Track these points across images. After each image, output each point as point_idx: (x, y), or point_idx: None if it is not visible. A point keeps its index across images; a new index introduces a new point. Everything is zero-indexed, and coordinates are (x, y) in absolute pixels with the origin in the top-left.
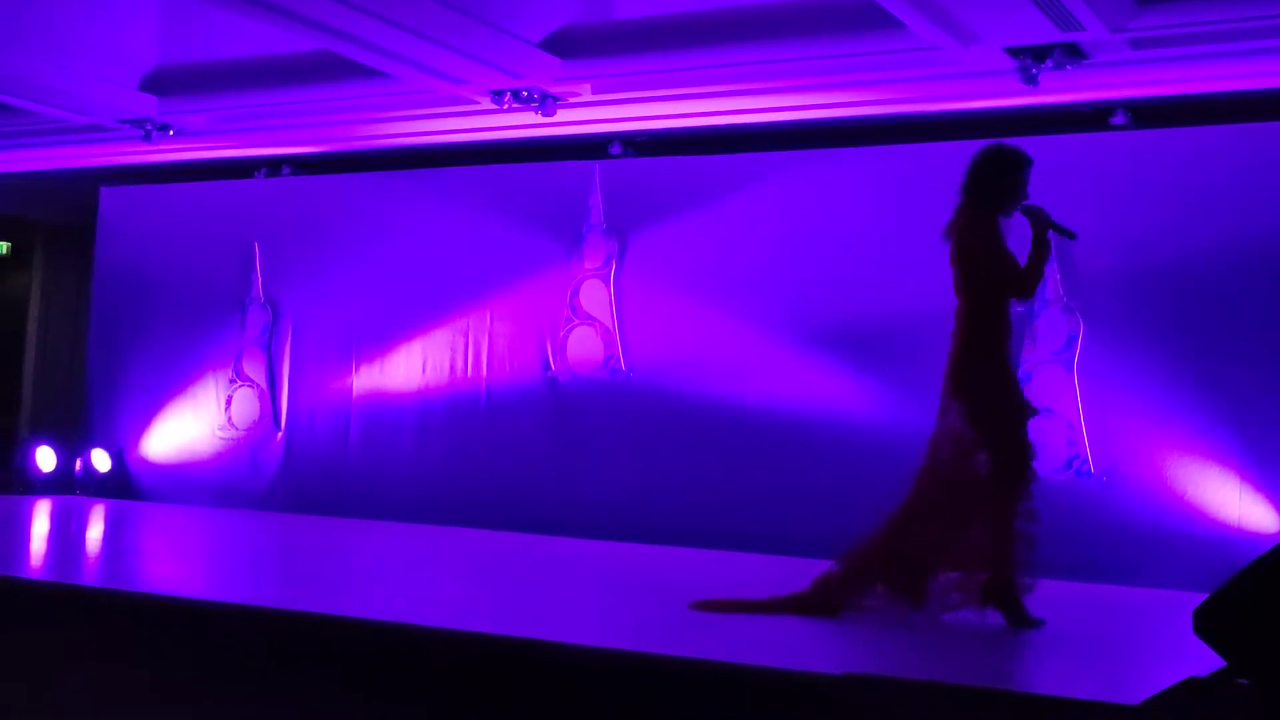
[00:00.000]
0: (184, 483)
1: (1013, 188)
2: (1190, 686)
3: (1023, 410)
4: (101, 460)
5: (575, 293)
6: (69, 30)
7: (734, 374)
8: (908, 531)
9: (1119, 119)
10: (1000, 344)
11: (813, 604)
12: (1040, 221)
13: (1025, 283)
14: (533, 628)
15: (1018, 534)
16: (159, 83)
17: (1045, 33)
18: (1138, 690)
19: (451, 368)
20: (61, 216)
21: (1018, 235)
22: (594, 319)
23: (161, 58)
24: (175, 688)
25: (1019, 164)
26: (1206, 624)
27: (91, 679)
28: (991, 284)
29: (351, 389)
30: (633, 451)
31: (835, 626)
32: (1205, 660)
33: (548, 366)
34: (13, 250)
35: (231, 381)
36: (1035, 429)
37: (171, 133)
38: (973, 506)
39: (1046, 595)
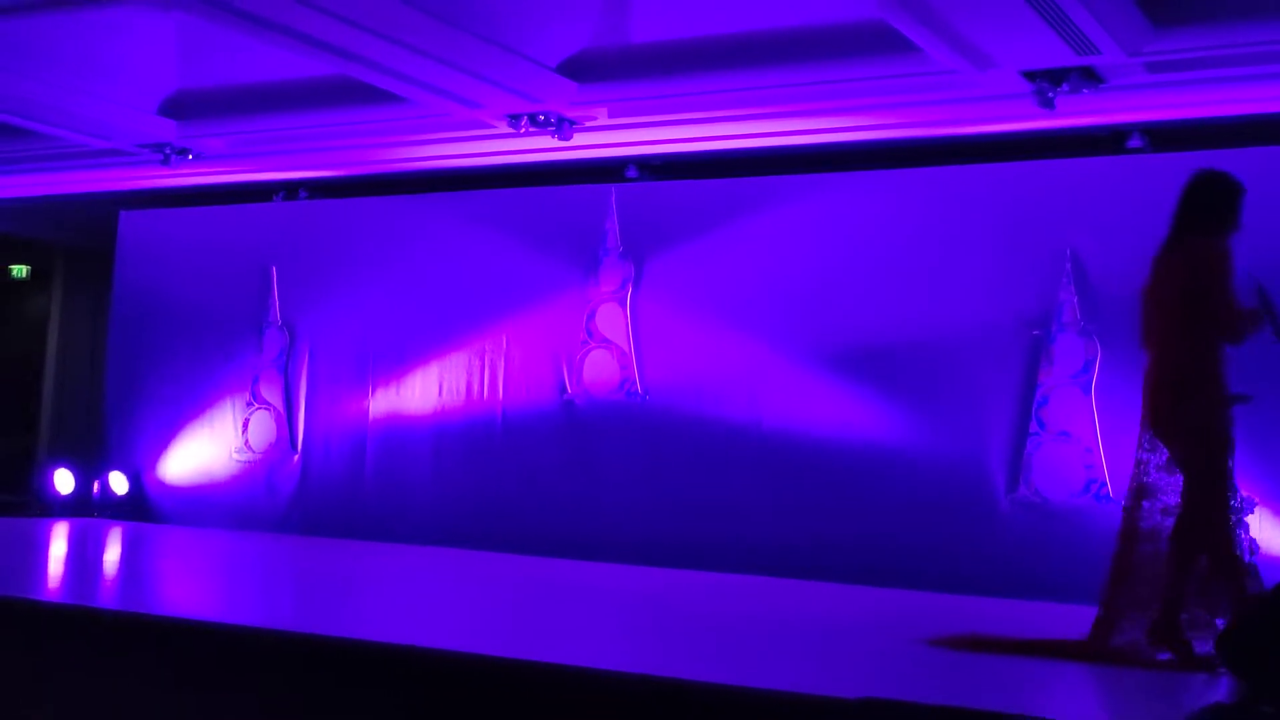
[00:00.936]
0: (201, 505)
1: (1234, 214)
2: (1215, 712)
3: (1228, 451)
4: (119, 483)
5: (591, 316)
6: (89, 55)
7: (750, 397)
8: (1143, 575)
9: (1135, 142)
10: (1222, 381)
11: (1077, 650)
12: (1268, 303)
13: (1243, 328)
14: (548, 652)
15: (1194, 573)
16: (178, 107)
17: (1061, 56)
18: (1162, 716)
19: (468, 390)
20: (81, 240)
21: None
22: (610, 342)
23: (181, 83)
24: (191, 710)
25: (1238, 190)
26: (1229, 650)
27: (107, 701)
28: (1215, 318)
29: (368, 412)
30: (648, 474)
31: (853, 652)
32: (1229, 686)
33: (564, 389)
34: (33, 273)
35: (249, 404)
36: (1059, 454)
37: (190, 157)
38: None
39: (1063, 619)
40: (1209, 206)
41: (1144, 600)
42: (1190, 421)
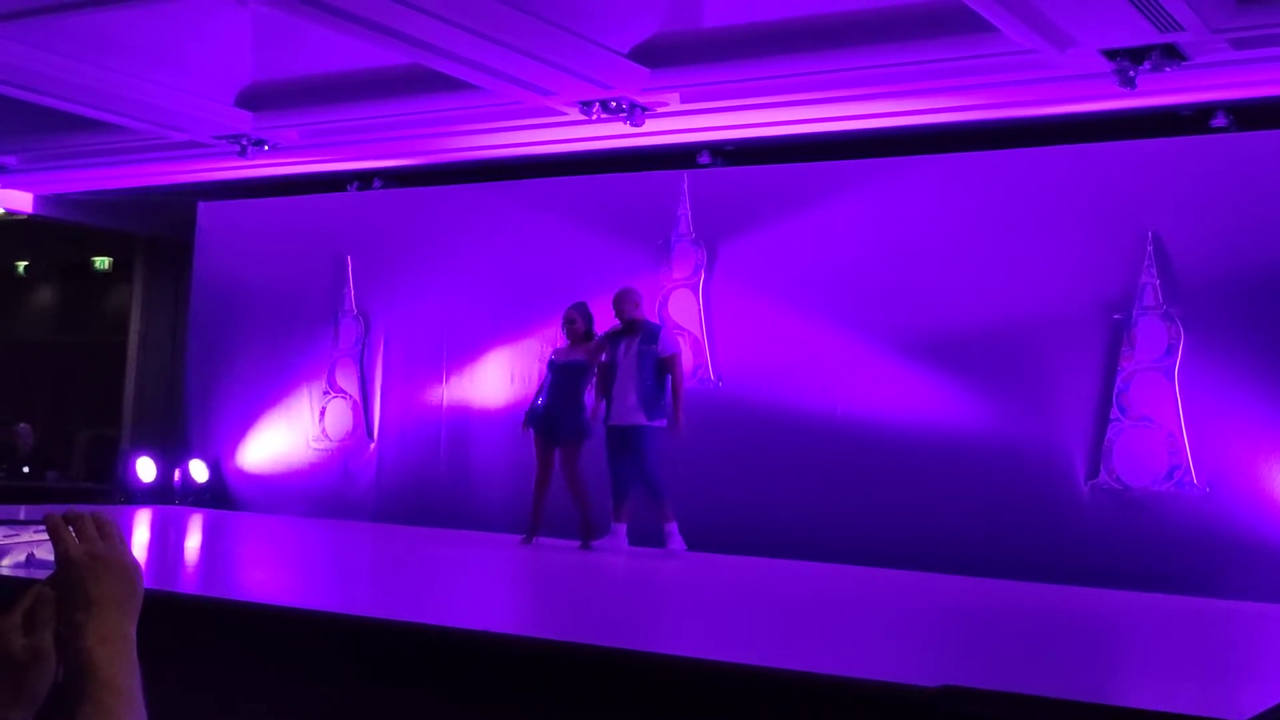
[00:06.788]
0: (279, 493)
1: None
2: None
3: None
4: (199, 471)
5: (664, 302)
6: (166, 49)
7: (824, 383)
8: None
9: (1220, 121)
10: None
11: None
12: None
13: None
14: (627, 639)
15: None
16: (254, 99)
17: (1143, 34)
18: (1243, 707)
19: (540, 378)
20: (161, 231)
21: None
22: (683, 328)
23: (256, 74)
24: (270, 694)
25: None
26: None
27: (187, 685)
28: None
29: (442, 400)
30: (721, 461)
31: (931, 640)
32: None
33: None
34: (114, 264)
35: (325, 393)
36: (1141, 441)
37: (266, 148)
38: None
39: (1146, 608)
40: None
41: None
42: None
